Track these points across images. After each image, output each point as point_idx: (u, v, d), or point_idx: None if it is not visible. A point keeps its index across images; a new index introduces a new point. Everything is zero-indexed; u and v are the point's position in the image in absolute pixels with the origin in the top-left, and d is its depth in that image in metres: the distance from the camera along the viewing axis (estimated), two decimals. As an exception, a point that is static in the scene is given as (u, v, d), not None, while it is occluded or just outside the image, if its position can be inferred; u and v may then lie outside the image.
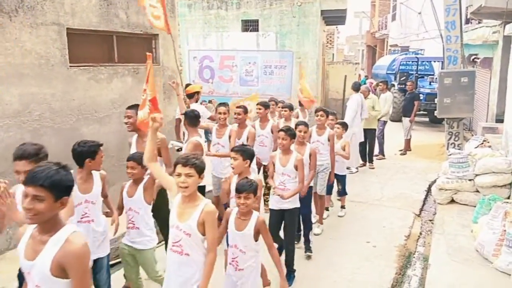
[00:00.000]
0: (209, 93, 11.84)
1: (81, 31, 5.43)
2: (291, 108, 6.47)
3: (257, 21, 11.92)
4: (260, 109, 6.02)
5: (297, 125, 4.71)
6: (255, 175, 3.96)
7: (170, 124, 6.77)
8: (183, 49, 12.20)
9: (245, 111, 5.52)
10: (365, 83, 13.72)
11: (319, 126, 5.52)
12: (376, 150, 9.59)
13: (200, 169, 2.70)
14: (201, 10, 12.21)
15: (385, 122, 9.73)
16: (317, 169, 5.28)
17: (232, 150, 3.74)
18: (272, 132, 5.92)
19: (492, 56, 10.23)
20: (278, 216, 4.35)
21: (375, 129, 9.13)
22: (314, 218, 5.57)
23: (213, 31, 12.25)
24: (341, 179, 6.32)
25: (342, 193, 6.42)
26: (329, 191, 5.94)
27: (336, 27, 25.03)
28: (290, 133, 4.30)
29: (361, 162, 8.89)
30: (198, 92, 6.58)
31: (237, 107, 5.52)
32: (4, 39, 4.47)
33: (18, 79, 4.65)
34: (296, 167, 4.29)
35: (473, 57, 11.77)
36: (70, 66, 5.26)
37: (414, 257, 5.18)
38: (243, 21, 12.02)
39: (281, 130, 4.36)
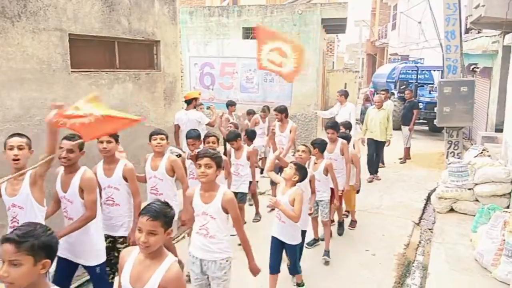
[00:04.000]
0: (209, 100, 11.87)
1: (83, 36, 5.46)
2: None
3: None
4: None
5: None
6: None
7: (170, 131, 6.77)
8: (184, 56, 12.24)
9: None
10: None
11: (203, 188, 3.10)
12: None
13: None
14: (202, 18, 12.26)
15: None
16: (204, 267, 3.14)
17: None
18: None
19: (492, 66, 10.27)
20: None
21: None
22: None
23: (214, 38, 12.30)
24: (291, 251, 4.08)
25: (293, 271, 4.27)
26: (295, 270, 4.24)
27: (337, 36, 25.12)
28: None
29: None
30: (196, 99, 6.71)
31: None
32: (6, 44, 4.48)
33: (20, 84, 4.66)
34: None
35: (472, 66, 11.82)
36: (72, 72, 5.28)
37: (413, 266, 5.16)
38: (244, 29, 12.06)
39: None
